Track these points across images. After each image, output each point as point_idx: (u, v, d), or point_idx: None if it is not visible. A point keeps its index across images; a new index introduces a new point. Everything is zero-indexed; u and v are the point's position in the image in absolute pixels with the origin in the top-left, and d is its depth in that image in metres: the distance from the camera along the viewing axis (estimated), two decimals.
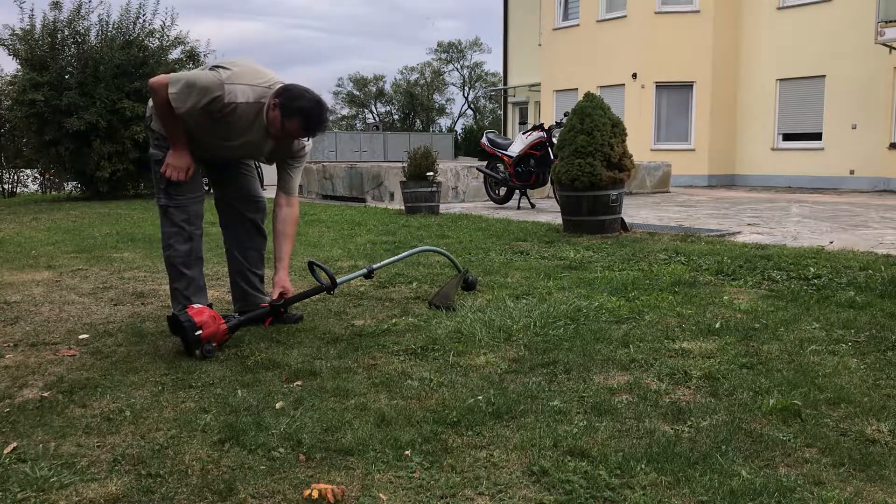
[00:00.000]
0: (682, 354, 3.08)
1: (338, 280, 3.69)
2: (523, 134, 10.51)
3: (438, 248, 4.42)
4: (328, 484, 1.94)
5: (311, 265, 3.72)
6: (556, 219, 8.01)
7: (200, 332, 3.08)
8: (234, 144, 3.39)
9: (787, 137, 17.05)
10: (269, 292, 3.95)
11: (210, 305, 3.41)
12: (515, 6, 24.79)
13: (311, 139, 3.51)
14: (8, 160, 16.68)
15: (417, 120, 58.61)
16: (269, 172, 4.06)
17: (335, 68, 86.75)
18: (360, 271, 3.92)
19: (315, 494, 1.89)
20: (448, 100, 60.35)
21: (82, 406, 2.58)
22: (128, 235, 7.47)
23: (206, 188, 3.71)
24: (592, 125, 6.91)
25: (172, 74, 3.25)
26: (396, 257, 4.27)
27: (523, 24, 24.17)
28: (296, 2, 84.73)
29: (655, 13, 17.34)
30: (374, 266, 3.98)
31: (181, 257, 3.47)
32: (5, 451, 2.19)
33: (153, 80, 3.24)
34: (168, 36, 14.05)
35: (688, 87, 17.42)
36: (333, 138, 33.80)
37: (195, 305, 3.21)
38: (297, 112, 3.18)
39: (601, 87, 17.96)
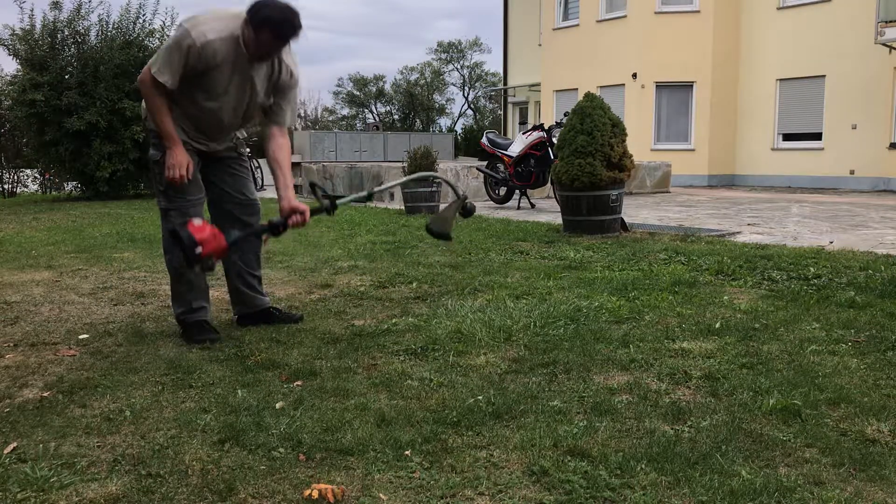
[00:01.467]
0: (682, 354, 3.08)
1: (338, 202, 3.52)
2: (523, 134, 10.51)
3: (438, 175, 4.19)
4: (328, 484, 1.94)
5: (312, 185, 3.55)
6: (556, 219, 8.01)
7: (201, 248, 3.04)
8: (229, 98, 3.33)
9: (787, 137, 17.05)
10: (269, 293, 3.94)
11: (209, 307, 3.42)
12: (515, 6, 24.78)
13: (296, 66, 3.45)
14: (8, 160, 16.68)
15: (417, 120, 58.58)
16: (268, 174, 4.01)
17: (335, 68, 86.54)
18: (361, 193, 3.78)
19: (315, 494, 1.89)
20: (448, 100, 60.30)
21: (82, 406, 2.58)
22: (128, 235, 7.47)
23: None
24: (592, 125, 6.91)
25: (150, 61, 3.28)
26: (399, 181, 4.14)
27: (523, 24, 24.16)
28: (297, 2, 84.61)
29: (655, 13, 17.34)
30: (376, 189, 3.85)
31: (180, 260, 3.46)
32: (5, 451, 2.19)
33: (139, 76, 3.26)
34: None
35: (688, 87, 17.42)
36: (333, 138, 33.77)
37: (196, 221, 3.14)
38: (264, 22, 3.12)
39: (601, 87, 17.95)
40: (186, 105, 3.33)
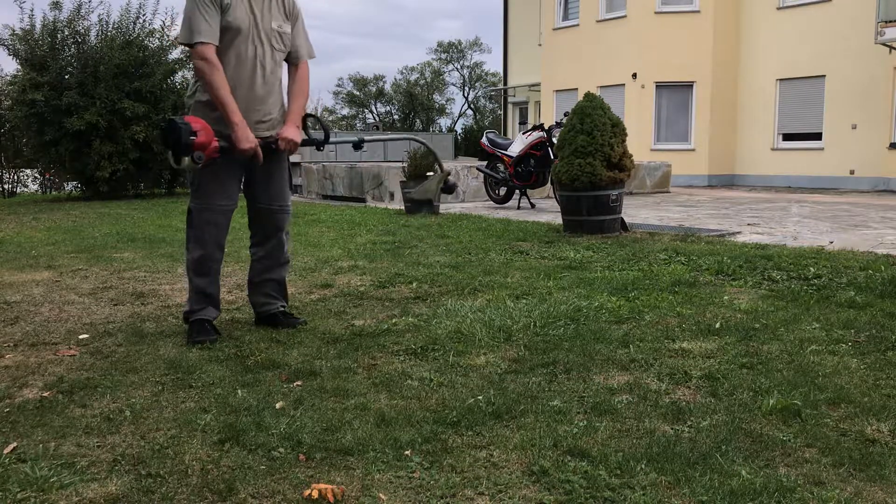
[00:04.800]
0: (682, 354, 3.08)
1: (331, 140, 3.62)
2: (523, 134, 10.51)
3: (425, 142, 4.15)
4: (328, 484, 1.94)
5: (305, 117, 3.60)
6: (556, 219, 8.01)
7: (196, 137, 3.10)
8: (260, 31, 3.40)
9: (787, 137, 17.05)
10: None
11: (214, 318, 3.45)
12: (515, 6, 24.78)
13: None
14: (8, 160, 16.68)
15: (417, 120, 58.56)
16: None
17: (335, 68, 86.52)
18: (353, 139, 3.84)
19: (315, 494, 1.89)
20: (448, 100, 60.29)
21: (82, 406, 2.58)
22: (128, 235, 7.47)
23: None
24: (592, 125, 6.91)
25: (185, 39, 3.31)
26: (388, 136, 4.23)
27: (523, 24, 24.16)
28: (297, 2, 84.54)
29: (655, 13, 17.33)
30: (366, 138, 3.88)
31: (191, 262, 3.48)
32: (5, 451, 2.19)
33: (195, 62, 3.30)
34: (168, 36, 14.06)
35: (688, 87, 17.41)
36: (334, 138, 33.78)
37: (194, 118, 3.22)
38: None
39: (601, 87, 17.95)
40: (230, 68, 3.34)
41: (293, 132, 3.46)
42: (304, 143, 3.56)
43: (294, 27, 3.58)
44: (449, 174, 3.92)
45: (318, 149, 3.63)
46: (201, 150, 3.15)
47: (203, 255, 3.45)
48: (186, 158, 3.14)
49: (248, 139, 3.27)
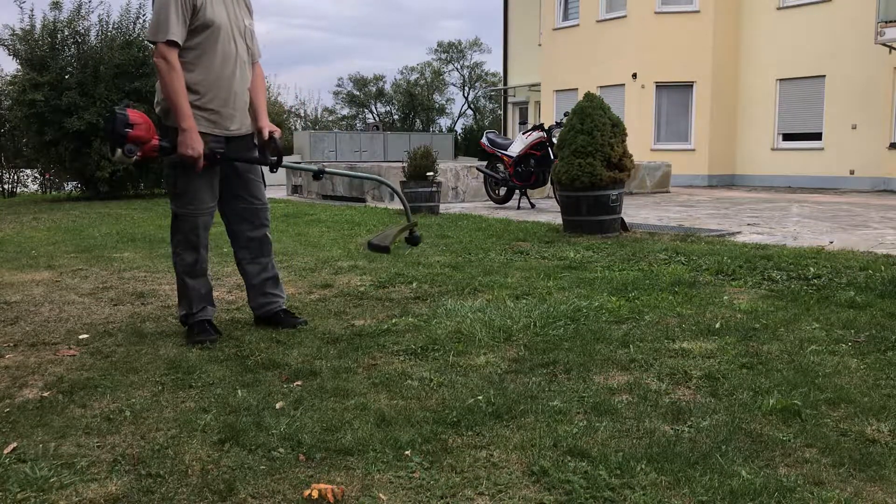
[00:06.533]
0: (682, 354, 3.08)
1: (284, 162, 3.60)
2: (523, 134, 10.51)
3: (392, 184, 4.09)
4: (328, 484, 1.94)
5: (261, 144, 3.57)
6: (556, 219, 8.01)
7: (130, 130, 3.07)
8: (236, 28, 3.41)
9: (787, 137, 17.05)
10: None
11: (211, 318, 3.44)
12: (515, 6, 24.78)
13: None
14: (8, 160, 16.68)
15: (417, 120, 58.54)
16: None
17: (335, 68, 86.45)
18: (311, 168, 3.83)
19: (315, 494, 1.89)
20: (448, 100, 60.20)
21: (82, 406, 2.58)
22: (128, 235, 7.47)
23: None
24: (592, 125, 6.91)
25: (151, 36, 3.29)
26: (351, 173, 4.17)
27: (523, 24, 24.16)
28: (298, 2, 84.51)
29: (655, 13, 17.34)
30: (326, 170, 3.87)
31: (185, 267, 3.46)
32: (5, 451, 2.19)
33: (154, 59, 3.28)
34: None
35: (688, 87, 17.41)
36: (333, 138, 33.76)
37: (136, 111, 3.21)
38: None
39: (601, 87, 17.95)
40: (207, 66, 3.32)
41: (273, 126, 3.53)
42: (257, 162, 3.52)
43: (252, 27, 3.60)
44: (415, 225, 3.89)
45: (272, 170, 3.60)
46: (135, 143, 3.10)
47: (197, 258, 3.46)
48: (119, 150, 3.09)
49: (193, 147, 3.23)
